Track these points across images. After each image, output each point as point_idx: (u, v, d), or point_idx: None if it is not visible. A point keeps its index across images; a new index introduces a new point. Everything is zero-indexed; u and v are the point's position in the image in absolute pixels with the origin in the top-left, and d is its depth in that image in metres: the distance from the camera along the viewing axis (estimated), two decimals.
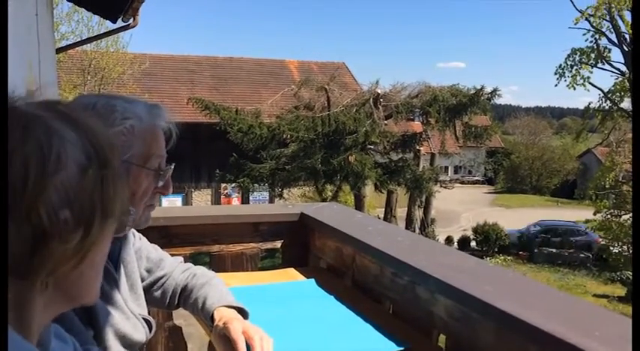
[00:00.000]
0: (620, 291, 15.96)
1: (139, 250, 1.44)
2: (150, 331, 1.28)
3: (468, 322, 1.31)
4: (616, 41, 19.33)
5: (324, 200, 17.71)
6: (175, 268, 1.52)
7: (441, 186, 19.18)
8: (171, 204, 22.35)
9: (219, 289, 1.46)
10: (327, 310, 1.65)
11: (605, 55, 19.49)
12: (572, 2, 19.37)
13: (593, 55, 19.40)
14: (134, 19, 7.94)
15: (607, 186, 19.78)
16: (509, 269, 1.72)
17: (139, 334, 1.24)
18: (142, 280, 1.44)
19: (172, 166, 1.25)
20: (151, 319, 1.31)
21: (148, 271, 1.48)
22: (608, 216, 19.63)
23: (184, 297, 1.48)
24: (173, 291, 1.48)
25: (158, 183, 1.20)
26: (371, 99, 16.84)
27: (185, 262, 1.60)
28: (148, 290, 1.46)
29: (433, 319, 1.45)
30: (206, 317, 1.38)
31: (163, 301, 1.49)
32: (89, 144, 0.61)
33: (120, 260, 1.28)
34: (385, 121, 17.51)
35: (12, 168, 0.54)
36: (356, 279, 1.86)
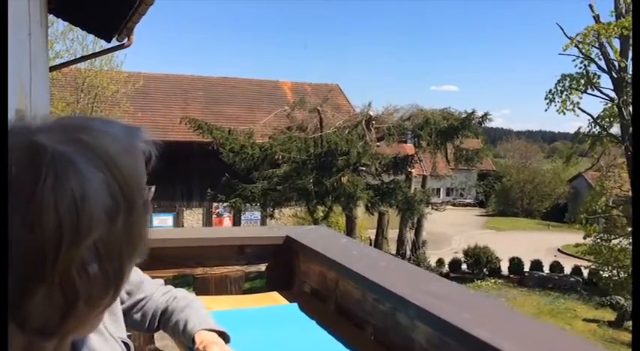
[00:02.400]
0: (610, 316, 15.93)
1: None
2: None
3: (445, 350, 1.31)
4: (605, 68, 19.62)
5: (315, 221, 17.68)
6: (156, 291, 1.51)
7: (432, 208, 19.19)
8: (162, 222, 22.27)
9: (201, 312, 1.46)
10: (309, 335, 1.64)
11: (594, 81, 19.75)
12: (562, 29, 19.70)
13: (582, 81, 19.65)
14: (129, 39, 8.01)
15: (598, 210, 19.89)
16: (488, 296, 1.72)
17: None
18: (122, 303, 1.43)
19: (152, 188, 1.24)
20: (129, 341, 1.30)
21: (128, 293, 1.47)
22: (598, 240, 19.71)
23: (165, 320, 1.47)
24: (153, 314, 1.47)
25: None
26: (363, 121, 16.96)
27: (168, 284, 1.59)
28: (127, 313, 1.45)
29: (413, 346, 1.45)
30: (187, 340, 1.38)
31: (143, 323, 1.48)
32: (117, 185, 0.57)
33: None
34: (377, 143, 17.61)
35: (44, 229, 0.50)
36: (339, 304, 1.86)
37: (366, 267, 1.72)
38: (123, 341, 1.27)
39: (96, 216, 0.54)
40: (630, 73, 19.09)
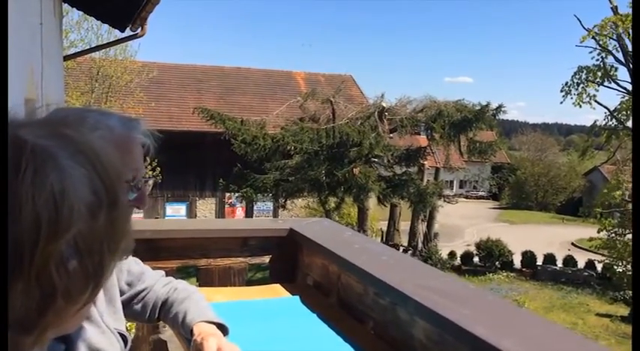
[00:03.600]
0: (624, 310, 15.79)
1: (120, 262, 1.44)
2: (125, 346, 1.28)
3: (444, 346, 1.30)
4: (622, 60, 19.31)
5: (327, 212, 17.71)
6: (157, 282, 1.52)
7: (444, 200, 19.12)
8: (175, 212, 22.45)
9: (200, 304, 1.46)
10: (309, 328, 1.64)
11: (611, 73, 19.46)
12: (579, 20, 19.41)
13: (599, 74, 19.38)
14: (142, 29, 8.03)
15: (613, 204, 19.68)
16: (489, 292, 1.71)
17: (114, 349, 1.23)
18: (123, 294, 1.43)
19: (150, 181, 1.24)
20: (127, 333, 1.30)
21: (129, 284, 1.48)
22: (613, 234, 19.50)
23: (165, 311, 1.48)
24: (154, 304, 1.48)
25: (131, 195, 1.19)
26: (376, 112, 16.90)
27: (172, 276, 1.60)
28: (128, 303, 1.46)
29: (413, 342, 1.44)
30: (186, 332, 1.38)
31: (143, 314, 1.49)
32: (98, 179, 0.56)
33: None
34: (390, 135, 17.54)
35: (22, 223, 0.50)
36: (341, 297, 1.85)
37: (368, 261, 1.71)
38: (120, 333, 1.28)
39: (76, 211, 0.53)
40: None
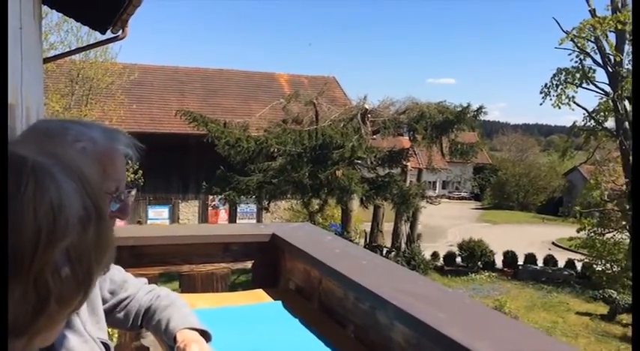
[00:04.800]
0: (603, 309, 16.03)
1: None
2: None
3: (421, 349, 1.34)
4: (600, 62, 19.63)
5: (310, 214, 17.72)
6: (139, 290, 1.53)
7: (427, 201, 19.25)
8: (157, 215, 22.27)
9: (183, 310, 1.48)
10: (291, 334, 1.67)
11: (589, 75, 19.77)
12: (558, 23, 19.69)
13: (578, 75, 19.68)
14: (123, 31, 7.97)
15: (593, 204, 19.98)
16: (465, 295, 1.75)
17: None
18: (105, 302, 1.45)
19: (132, 192, 1.25)
20: (109, 342, 1.32)
21: (112, 292, 1.49)
22: (592, 234, 19.79)
23: (147, 318, 1.49)
24: (136, 312, 1.49)
25: (114, 206, 1.20)
26: (359, 114, 16.97)
27: (154, 282, 1.61)
28: (111, 312, 1.47)
29: (392, 345, 1.47)
30: (169, 339, 1.40)
31: (126, 322, 1.50)
32: (86, 194, 0.61)
33: None
34: (373, 136, 17.63)
35: (23, 231, 0.54)
36: (322, 302, 1.88)
37: (348, 265, 1.74)
38: (102, 342, 1.29)
39: (70, 223, 0.58)
40: (625, 67, 19.12)
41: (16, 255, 0.54)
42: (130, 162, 1.29)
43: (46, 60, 9.89)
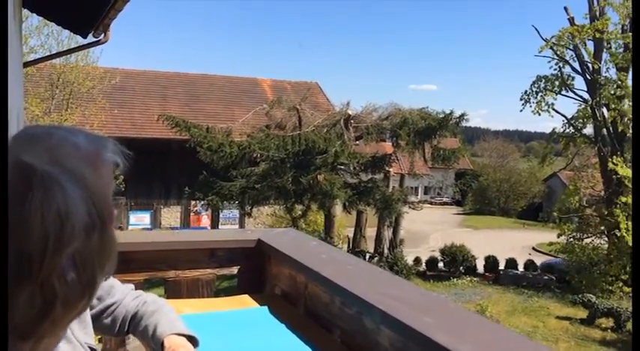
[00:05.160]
0: (582, 313, 16.24)
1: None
2: None
3: None
4: (579, 69, 19.99)
5: (293, 219, 17.71)
6: (126, 296, 1.53)
7: (409, 207, 19.36)
8: (139, 220, 22.06)
9: (170, 316, 1.48)
10: (277, 338, 1.67)
11: (568, 82, 20.11)
12: (538, 31, 20.02)
13: (557, 83, 20.01)
14: (105, 35, 7.89)
15: (572, 209, 20.29)
16: (449, 300, 1.78)
17: None
18: (92, 308, 1.44)
19: (120, 201, 1.24)
20: (96, 347, 1.31)
21: (98, 298, 1.49)
22: (572, 239, 20.09)
23: (134, 324, 1.48)
24: (123, 318, 1.49)
25: None
26: (342, 120, 17.04)
27: (140, 288, 1.61)
28: (97, 318, 1.47)
29: (378, 349, 1.49)
30: (156, 344, 1.39)
31: (113, 328, 1.49)
32: (91, 202, 0.63)
33: None
34: (356, 142, 17.71)
35: (32, 237, 0.56)
36: (308, 307, 1.89)
37: (334, 271, 1.76)
38: (90, 347, 1.29)
39: (76, 230, 0.60)
40: (603, 75, 19.48)
41: (25, 260, 0.56)
42: (117, 170, 1.28)
43: (26, 64, 9.76)
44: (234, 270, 2.23)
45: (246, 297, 2.05)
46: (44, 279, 0.57)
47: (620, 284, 18.08)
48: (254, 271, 2.23)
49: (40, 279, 0.57)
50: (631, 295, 18.03)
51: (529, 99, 20.35)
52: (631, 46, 17.35)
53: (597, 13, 19.12)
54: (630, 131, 19.19)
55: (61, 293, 0.59)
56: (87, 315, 1.36)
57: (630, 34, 18.49)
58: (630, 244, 16.82)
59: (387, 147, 20.48)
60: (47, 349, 0.67)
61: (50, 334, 0.63)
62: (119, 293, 1.51)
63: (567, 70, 20.12)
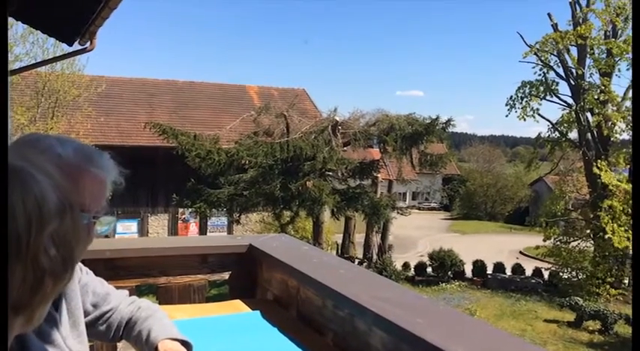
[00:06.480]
0: (570, 316, 16.36)
1: (86, 285, 1.44)
2: None
3: None
4: (563, 75, 20.24)
5: (282, 226, 17.69)
6: (121, 302, 1.53)
7: (398, 212, 19.42)
8: (126, 229, 21.88)
9: (164, 321, 1.48)
10: (270, 342, 1.69)
11: (553, 88, 20.34)
12: (522, 37, 20.27)
13: (542, 88, 20.23)
14: (91, 43, 7.85)
15: (557, 214, 20.47)
16: (440, 302, 1.80)
17: None
18: (87, 315, 1.44)
19: (101, 219, 1.20)
20: None
21: (94, 305, 1.49)
22: (558, 243, 20.26)
23: (128, 329, 1.49)
24: (118, 325, 1.49)
25: None
26: (329, 126, 17.08)
27: (131, 294, 1.61)
28: (93, 324, 1.47)
29: None
30: (150, 349, 1.40)
31: (107, 334, 1.50)
32: (58, 190, 0.71)
33: (62, 295, 1.28)
34: (344, 148, 17.75)
35: (18, 220, 0.64)
36: (300, 311, 1.91)
37: (326, 274, 1.77)
38: None
39: (52, 211, 0.69)
40: (587, 80, 19.74)
41: (15, 239, 0.64)
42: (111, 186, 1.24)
43: (12, 72, 9.70)
44: (226, 276, 2.24)
45: (238, 302, 2.06)
46: (33, 256, 0.66)
47: (607, 287, 18.27)
48: (246, 277, 2.24)
49: (29, 256, 0.65)
50: (618, 297, 18.26)
51: (514, 104, 20.55)
52: (627, 50, 17.63)
53: (580, 20, 19.40)
54: (614, 135, 19.50)
55: (48, 268, 0.68)
56: (81, 322, 1.36)
57: (613, 40, 18.82)
58: (616, 246, 17.05)
59: (375, 153, 20.54)
60: (39, 319, 0.75)
61: (39, 306, 0.71)
62: (115, 300, 1.52)
63: (552, 75, 20.37)
